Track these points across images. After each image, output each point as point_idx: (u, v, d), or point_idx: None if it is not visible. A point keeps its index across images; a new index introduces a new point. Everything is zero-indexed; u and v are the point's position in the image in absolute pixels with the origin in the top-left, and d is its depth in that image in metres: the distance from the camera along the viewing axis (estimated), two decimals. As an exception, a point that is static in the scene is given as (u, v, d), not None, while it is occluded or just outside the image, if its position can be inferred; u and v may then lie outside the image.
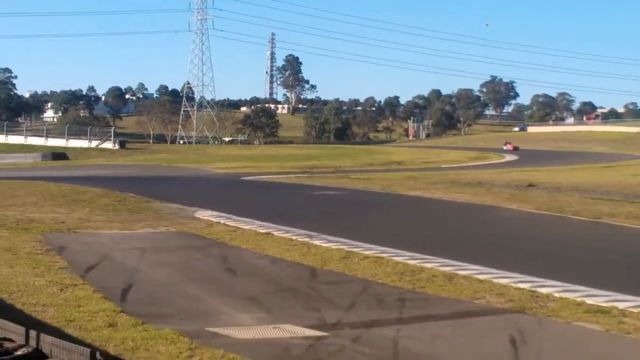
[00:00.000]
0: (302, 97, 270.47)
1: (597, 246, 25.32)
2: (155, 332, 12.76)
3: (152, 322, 13.50)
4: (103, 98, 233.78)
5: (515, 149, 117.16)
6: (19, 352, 8.65)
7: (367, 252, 21.98)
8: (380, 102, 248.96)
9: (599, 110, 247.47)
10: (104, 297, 15.64)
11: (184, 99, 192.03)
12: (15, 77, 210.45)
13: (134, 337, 12.46)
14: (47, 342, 9.05)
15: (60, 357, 8.56)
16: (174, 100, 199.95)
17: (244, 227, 27.54)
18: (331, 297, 16.62)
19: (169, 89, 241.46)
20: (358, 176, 59.20)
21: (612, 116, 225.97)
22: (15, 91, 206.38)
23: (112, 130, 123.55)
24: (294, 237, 24.93)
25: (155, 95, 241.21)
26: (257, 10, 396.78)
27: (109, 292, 16.15)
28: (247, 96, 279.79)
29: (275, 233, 25.95)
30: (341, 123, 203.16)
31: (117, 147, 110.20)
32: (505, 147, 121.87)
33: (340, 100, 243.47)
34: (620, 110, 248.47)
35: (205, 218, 30.10)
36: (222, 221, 29.11)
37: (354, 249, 22.56)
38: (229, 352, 11.72)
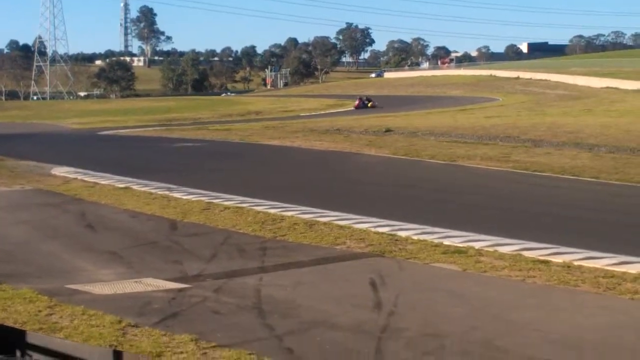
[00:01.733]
0: (158, 49, 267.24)
1: (454, 189, 25.85)
2: (12, 292, 12.50)
3: (9, 282, 13.23)
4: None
5: (374, 106, 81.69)
6: None
7: (227, 203, 21.97)
8: (237, 52, 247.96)
9: (453, 55, 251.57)
10: (-43, 258, 15.27)
11: (36, 53, 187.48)
12: None
13: (-9, 297, 12.19)
14: None
15: None
16: (25, 55, 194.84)
17: (102, 182, 27.16)
18: (192, 249, 16.57)
19: (20, 44, 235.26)
20: (217, 127, 59.02)
21: (465, 60, 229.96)
22: None
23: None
24: (153, 191, 24.73)
25: (5, 50, 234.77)
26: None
27: (-40, 254, 15.76)
28: (102, 49, 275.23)
29: (135, 187, 25.68)
30: (198, 74, 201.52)
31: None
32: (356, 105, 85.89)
33: (196, 51, 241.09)
34: (474, 54, 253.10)
35: (62, 175, 29.55)
36: (79, 177, 28.64)
37: (215, 200, 22.52)
38: (90, 308, 11.56)
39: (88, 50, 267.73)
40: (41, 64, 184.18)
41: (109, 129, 60.70)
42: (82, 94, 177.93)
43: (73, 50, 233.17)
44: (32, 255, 16.18)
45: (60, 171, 30.51)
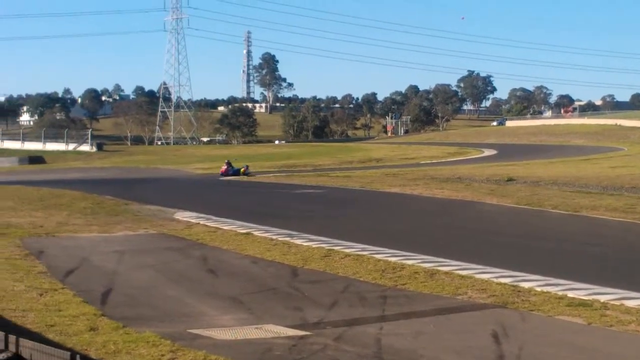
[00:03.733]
0: (279, 95, 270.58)
1: (578, 239, 25.37)
2: (136, 335, 12.67)
3: (133, 325, 13.41)
4: (79, 100, 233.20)
5: (247, 174, 60.59)
6: (-1, 358, 8.55)
7: (348, 250, 21.95)
8: (357, 99, 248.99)
9: (577, 103, 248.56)
10: (84, 301, 15.54)
11: (161, 99, 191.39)
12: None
13: (116, 340, 12.36)
14: (27, 347, 8.95)
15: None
16: (150, 101, 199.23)
17: (224, 227, 27.46)
18: (313, 296, 16.57)
19: (146, 90, 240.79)
20: (337, 174, 59.15)
21: (589, 109, 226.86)
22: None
23: (89, 132, 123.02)
24: (274, 237, 24.88)
25: (131, 96, 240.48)
26: (232, 8, 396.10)
27: (89, 296, 16.05)
28: (224, 96, 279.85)
29: (256, 233, 25.88)
30: (319, 121, 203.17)
31: (94, 149, 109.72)
32: None
33: (317, 98, 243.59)
34: (598, 102, 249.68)
35: (185, 219, 30.00)
36: (201, 222, 29.02)
37: (335, 247, 22.51)
38: (211, 353, 11.65)
39: (211, 96, 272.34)
40: (165, 109, 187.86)
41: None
42: (205, 139, 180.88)
43: (197, 96, 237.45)
44: (155, 299, 16.40)
45: (183, 216, 30.97)
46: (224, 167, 60.68)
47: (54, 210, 32.78)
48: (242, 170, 60.41)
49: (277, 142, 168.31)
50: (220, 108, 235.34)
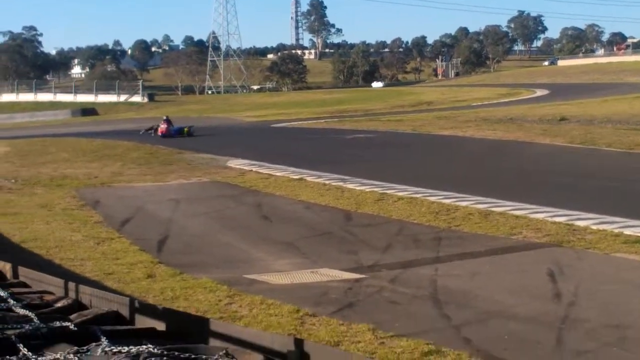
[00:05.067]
0: (328, 41, 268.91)
1: (633, 177, 25.10)
2: (193, 282, 12.81)
3: (189, 272, 13.56)
4: (129, 52, 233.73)
5: (190, 134, 50.26)
6: (59, 304, 8.65)
7: (400, 194, 21.94)
8: (407, 43, 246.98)
9: (630, 41, 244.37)
10: (140, 249, 15.74)
11: (210, 48, 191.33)
12: (41, 34, 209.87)
13: (173, 287, 12.51)
14: (87, 293, 9.04)
15: (100, 307, 8.57)
16: (200, 51, 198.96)
17: (277, 174, 27.54)
18: (367, 239, 16.62)
19: (195, 40, 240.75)
20: (388, 118, 58.89)
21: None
22: (42, 49, 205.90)
23: (140, 83, 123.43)
24: (326, 182, 24.92)
25: (181, 46, 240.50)
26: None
27: (146, 244, 16.24)
28: (273, 43, 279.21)
29: (308, 178, 25.93)
30: (369, 66, 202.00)
31: (145, 100, 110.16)
32: None
33: (367, 43, 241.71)
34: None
35: (238, 167, 30.11)
36: (254, 169, 29.12)
37: (388, 191, 22.51)
38: (268, 297, 11.75)
39: (260, 44, 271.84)
40: (215, 59, 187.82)
41: (282, 122, 61.40)
42: (255, 87, 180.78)
43: (246, 44, 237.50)
44: (211, 246, 16.55)
45: (236, 163, 31.08)
46: (163, 125, 48.94)
47: (108, 161, 33.09)
48: (185, 130, 49.51)
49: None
50: (270, 56, 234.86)
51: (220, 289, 12.29)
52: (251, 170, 28.84)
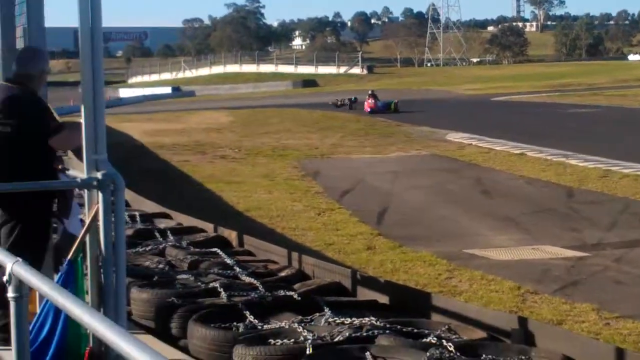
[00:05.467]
0: (550, 13, 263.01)
1: None
2: (412, 255, 12.79)
3: (408, 245, 13.55)
4: (349, 24, 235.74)
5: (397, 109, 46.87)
6: (282, 273, 8.81)
7: (626, 171, 21.25)
8: (633, 15, 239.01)
9: None
10: (360, 220, 15.84)
11: (430, 20, 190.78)
12: (264, 6, 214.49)
13: (392, 259, 12.53)
14: (309, 264, 9.18)
15: (322, 278, 8.67)
16: (419, 23, 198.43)
17: (497, 148, 27.21)
18: (590, 216, 16.17)
19: (414, 12, 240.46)
20: (612, 93, 57.16)
21: None
22: (264, 21, 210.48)
23: (359, 55, 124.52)
24: (548, 157, 24.44)
25: (400, 18, 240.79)
26: None
27: (365, 216, 16.33)
28: (494, 15, 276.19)
29: (529, 153, 25.50)
30: (593, 39, 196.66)
31: (365, 72, 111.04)
32: None
33: (591, 15, 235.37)
34: None
35: (457, 140, 29.93)
36: (473, 143, 28.87)
37: (612, 168, 21.85)
38: (488, 273, 11.60)
39: (480, 16, 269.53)
40: (434, 31, 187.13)
41: (502, 95, 60.56)
42: (474, 60, 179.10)
43: (465, 16, 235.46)
44: (430, 219, 16.50)
45: (454, 137, 30.90)
46: (370, 100, 46.39)
47: (328, 132, 33.54)
48: (392, 105, 46.06)
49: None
50: (490, 28, 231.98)
51: (440, 263, 12.22)
52: (470, 144, 28.60)
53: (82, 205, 6.25)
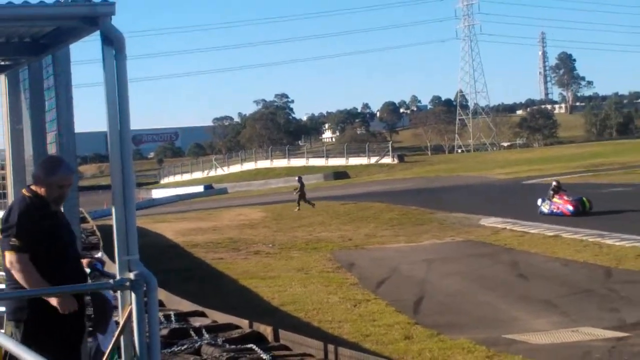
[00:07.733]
0: (578, 94, 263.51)
1: None
2: (451, 342, 12.68)
3: (446, 332, 13.45)
4: (378, 114, 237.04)
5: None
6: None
7: (665, 249, 21.07)
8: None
9: None
10: (396, 310, 15.76)
11: (458, 107, 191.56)
12: (292, 101, 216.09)
13: (431, 348, 12.42)
14: (346, 355, 9.14)
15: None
16: (448, 110, 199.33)
17: (531, 231, 27.13)
18: (629, 296, 16.01)
19: (442, 99, 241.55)
20: (646, 171, 56.85)
21: None
22: (293, 115, 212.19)
23: (390, 145, 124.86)
24: (584, 238, 24.32)
25: (428, 106, 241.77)
26: (524, 10, 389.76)
27: (401, 305, 16.25)
28: (522, 99, 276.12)
29: (564, 235, 25.41)
30: (622, 118, 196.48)
31: (396, 161, 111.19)
32: None
33: (619, 94, 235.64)
34: None
35: (490, 225, 29.85)
36: (507, 227, 28.79)
37: (650, 246, 21.68)
38: (528, 357, 11.48)
39: (508, 100, 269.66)
40: (463, 117, 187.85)
41: (534, 178, 60.41)
42: (504, 144, 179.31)
43: (493, 101, 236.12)
44: (467, 306, 16.38)
45: (488, 222, 30.82)
46: (566, 200, 32.34)
47: (361, 223, 33.53)
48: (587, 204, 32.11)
49: None
50: (519, 112, 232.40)
51: (479, 350, 12.10)
52: (505, 228, 28.53)
53: (116, 307, 6.26)
